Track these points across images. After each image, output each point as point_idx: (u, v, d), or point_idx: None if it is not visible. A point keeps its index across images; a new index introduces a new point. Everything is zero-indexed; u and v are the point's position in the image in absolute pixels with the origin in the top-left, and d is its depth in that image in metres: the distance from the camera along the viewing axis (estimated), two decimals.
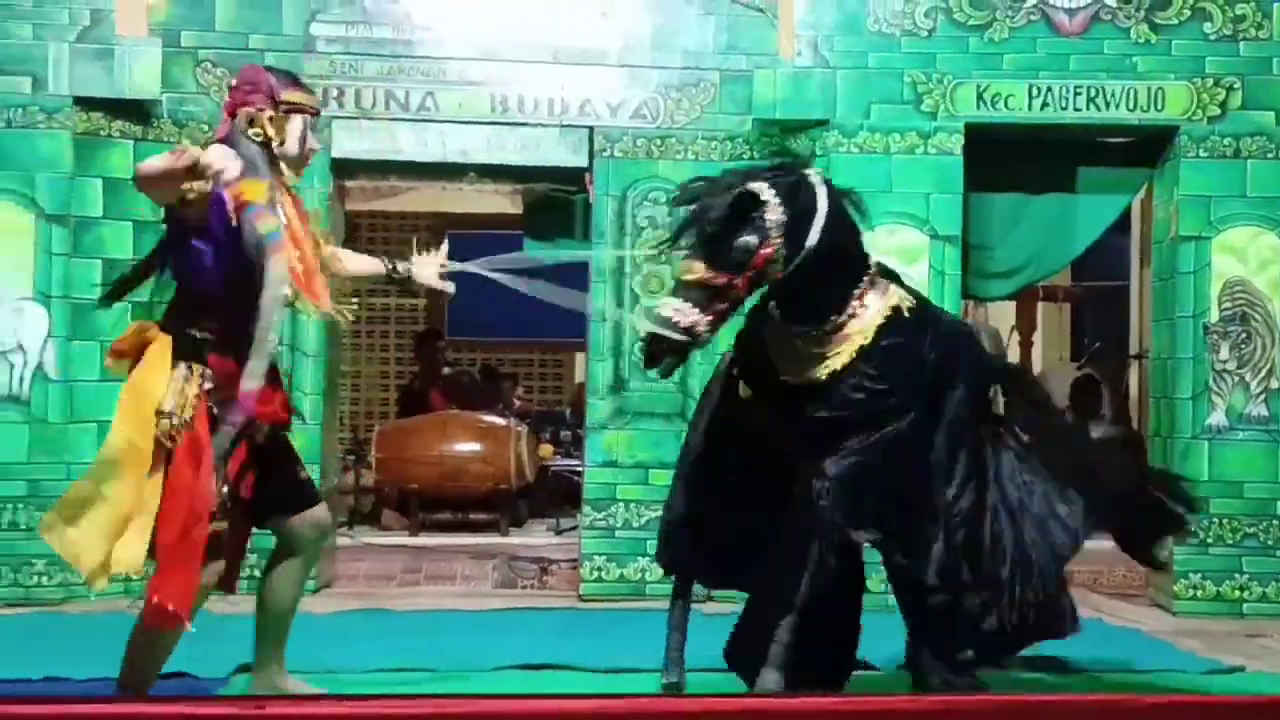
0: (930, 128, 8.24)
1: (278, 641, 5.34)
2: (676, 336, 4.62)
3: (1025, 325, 12.55)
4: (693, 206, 4.75)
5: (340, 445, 10.22)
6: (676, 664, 5.11)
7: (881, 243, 8.10)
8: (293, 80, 5.23)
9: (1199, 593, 8.16)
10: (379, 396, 14.05)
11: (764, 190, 4.73)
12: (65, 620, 7.38)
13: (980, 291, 8.96)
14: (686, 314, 4.62)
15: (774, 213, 4.71)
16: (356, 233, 12.86)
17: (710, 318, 4.66)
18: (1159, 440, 8.58)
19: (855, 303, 4.94)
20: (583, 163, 8.38)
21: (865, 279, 5.00)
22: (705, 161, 8.29)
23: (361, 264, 5.69)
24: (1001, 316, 12.35)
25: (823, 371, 4.89)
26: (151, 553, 4.81)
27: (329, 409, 8.48)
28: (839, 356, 4.89)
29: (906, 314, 5.01)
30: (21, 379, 7.79)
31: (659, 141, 8.34)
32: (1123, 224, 11.06)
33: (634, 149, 8.35)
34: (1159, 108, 8.27)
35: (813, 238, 4.76)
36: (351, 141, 8.27)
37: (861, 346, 4.90)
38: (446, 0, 8.35)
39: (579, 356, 12.64)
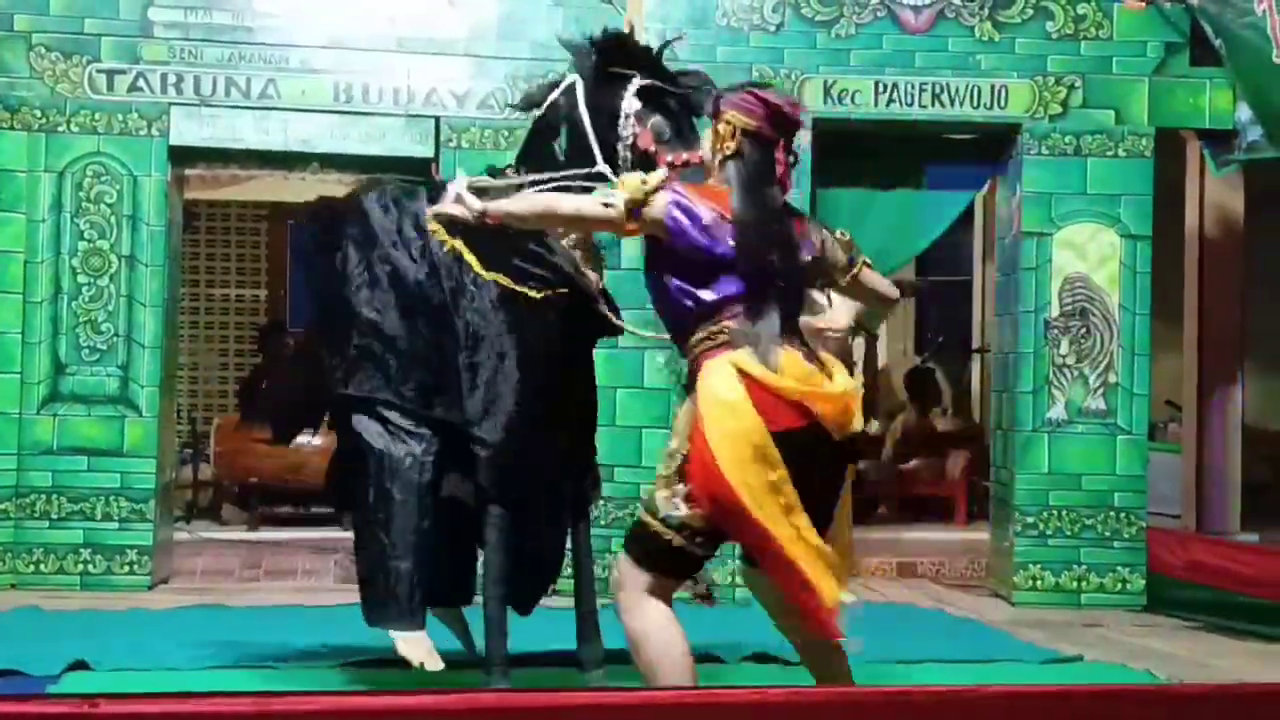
0: None
1: None
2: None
3: None
4: None
5: (178, 438, 10.04)
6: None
7: None
8: None
9: (1038, 583, 8.28)
10: (219, 389, 13.81)
11: None
12: None
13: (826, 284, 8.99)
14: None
15: None
16: (195, 222, 12.64)
17: None
18: (1000, 434, 8.70)
19: None
20: (429, 153, 8.28)
21: None
22: None
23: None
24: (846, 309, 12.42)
25: None
26: None
27: (166, 401, 8.29)
28: None
29: None
30: None
31: (507, 133, 8.26)
32: (966, 220, 11.24)
33: (481, 140, 8.28)
34: (1002, 105, 8.37)
35: None
36: (191, 129, 8.10)
37: None
38: None
39: None
